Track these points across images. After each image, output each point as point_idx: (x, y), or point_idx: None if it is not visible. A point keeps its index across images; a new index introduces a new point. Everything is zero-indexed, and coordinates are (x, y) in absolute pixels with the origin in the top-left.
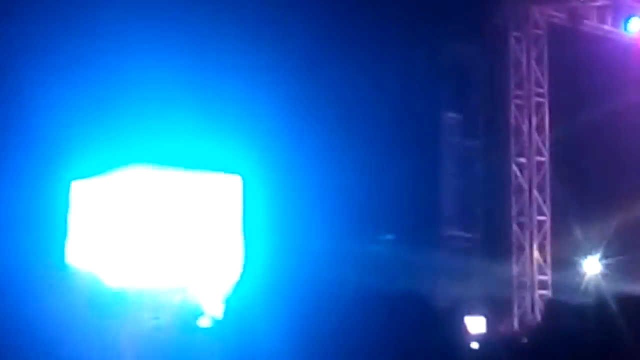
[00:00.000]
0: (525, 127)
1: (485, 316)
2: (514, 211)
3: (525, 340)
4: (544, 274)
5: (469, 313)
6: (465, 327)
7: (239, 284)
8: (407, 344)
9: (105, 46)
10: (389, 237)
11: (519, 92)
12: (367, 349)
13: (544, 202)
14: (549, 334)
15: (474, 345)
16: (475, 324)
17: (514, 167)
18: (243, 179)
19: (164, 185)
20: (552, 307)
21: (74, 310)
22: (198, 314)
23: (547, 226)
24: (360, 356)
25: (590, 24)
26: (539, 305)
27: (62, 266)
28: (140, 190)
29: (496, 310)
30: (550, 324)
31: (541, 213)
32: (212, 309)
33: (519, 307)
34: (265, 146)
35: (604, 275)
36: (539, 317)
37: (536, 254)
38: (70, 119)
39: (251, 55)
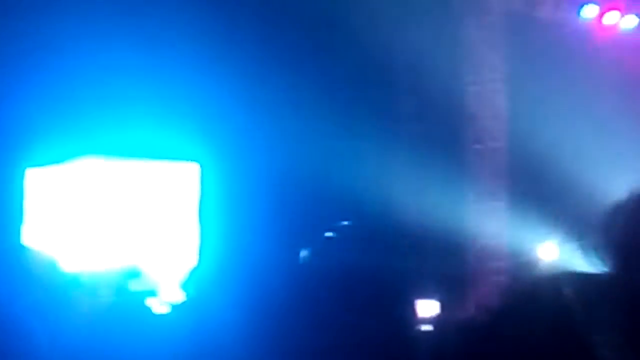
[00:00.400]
0: (481, 114)
1: (441, 301)
2: (470, 197)
3: (479, 321)
4: (500, 259)
5: (425, 297)
6: (415, 309)
7: (195, 271)
8: (359, 324)
9: (61, 36)
10: (344, 223)
11: (474, 78)
12: (322, 332)
13: (500, 188)
14: (505, 315)
15: (427, 327)
16: (430, 308)
17: (470, 154)
18: (201, 166)
19: (120, 174)
20: (509, 291)
21: (30, 292)
22: (153, 297)
23: (503, 212)
24: (315, 338)
25: (546, 11)
26: (495, 291)
27: (19, 248)
28: (95, 178)
29: (452, 296)
30: (506, 306)
31: (497, 199)
32: (168, 295)
33: (475, 293)
34: (224, 133)
35: (561, 261)
36: (496, 302)
37: (492, 239)
38: (27, 109)
39: (205, 43)
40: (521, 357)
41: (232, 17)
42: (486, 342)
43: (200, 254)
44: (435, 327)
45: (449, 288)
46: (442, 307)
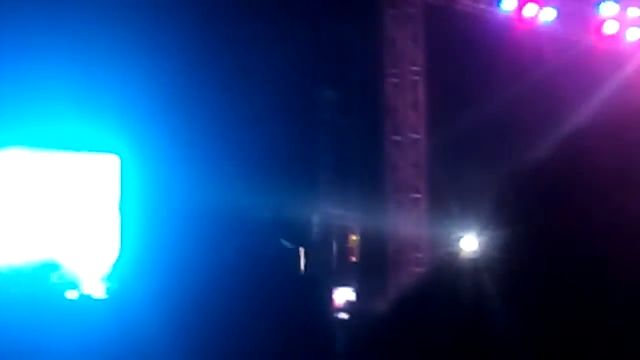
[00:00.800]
0: (401, 105)
1: (359, 292)
2: (389, 189)
3: (396, 311)
4: (419, 251)
5: (342, 286)
6: (332, 298)
7: (116, 264)
8: (277, 311)
9: None
10: (266, 213)
11: (394, 71)
12: (241, 321)
13: (420, 179)
14: (420, 305)
15: (343, 315)
16: (346, 296)
17: (389, 145)
18: (121, 158)
19: (39, 167)
20: (424, 281)
21: None
22: (73, 290)
23: (423, 204)
24: (235, 328)
25: (466, 3)
26: (414, 282)
27: None
28: (14, 171)
29: (371, 287)
30: (422, 296)
31: (417, 191)
32: (89, 287)
33: (394, 284)
34: (143, 125)
35: (480, 252)
36: (413, 292)
37: (411, 231)
38: None
39: (125, 33)
40: (436, 345)
41: (155, 9)
42: (402, 331)
43: (121, 247)
44: (351, 315)
45: (368, 280)
46: (359, 296)
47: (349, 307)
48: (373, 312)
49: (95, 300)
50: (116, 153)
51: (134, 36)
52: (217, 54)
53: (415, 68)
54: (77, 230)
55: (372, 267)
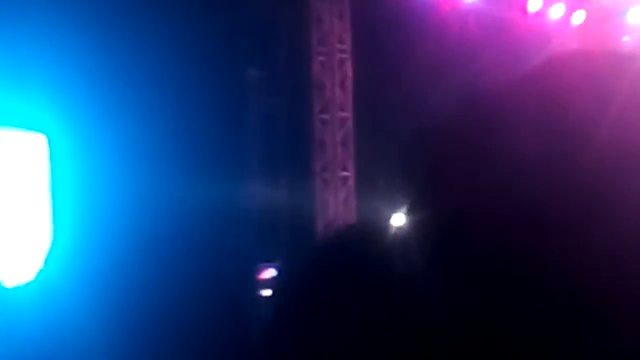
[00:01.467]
0: (328, 84)
1: (285, 270)
2: (317, 167)
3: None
4: None
5: (270, 265)
6: (256, 276)
7: (48, 250)
8: (205, 291)
9: None
10: (194, 194)
11: (321, 49)
12: (167, 308)
13: (348, 158)
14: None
15: (268, 292)
16: (272, 273)
17: (317, 124)
18: (48, 138)
19: None
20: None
21: None
22: None
23: (352, 182)
24: (161, 315)
25: None
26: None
27: None
28: None
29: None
30: (342, 266)
31: (345, 169)
32: (16, 274)
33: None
34: (72, 103)
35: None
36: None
37: (340, 209)
38: None
39: (56, 6)
40: (360, 319)
41: None
42: (324, 306)
43: (53, 233)
44: (275, 292)
45: (295, 255)
46: (285, 274)
47: (274, 284)
48: (296, 288)
49: (24, 287)
50: (43, 132)
51: (65, 9)
52: (144, 34)
53: (342, 46)
54: (1, 214)
55: (300, 245)
